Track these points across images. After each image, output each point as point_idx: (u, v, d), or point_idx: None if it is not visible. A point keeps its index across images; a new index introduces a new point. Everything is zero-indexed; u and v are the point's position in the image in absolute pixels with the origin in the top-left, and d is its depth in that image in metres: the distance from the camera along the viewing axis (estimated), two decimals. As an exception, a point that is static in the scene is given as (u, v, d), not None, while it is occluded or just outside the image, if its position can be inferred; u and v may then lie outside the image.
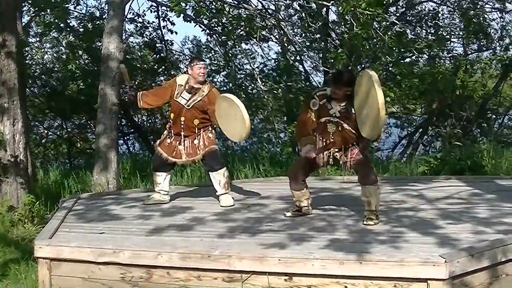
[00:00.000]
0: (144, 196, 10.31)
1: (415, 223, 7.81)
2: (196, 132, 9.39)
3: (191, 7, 14.09)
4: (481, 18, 19.15)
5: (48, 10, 16.55)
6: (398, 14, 19.27)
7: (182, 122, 9.38)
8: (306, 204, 8.35)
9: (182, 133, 9.42)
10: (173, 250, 6.72)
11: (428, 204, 9.05)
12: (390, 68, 13.62)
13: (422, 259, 6.02)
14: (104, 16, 17.12)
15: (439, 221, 7.85)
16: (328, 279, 6.15)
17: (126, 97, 10.02)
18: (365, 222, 7.78)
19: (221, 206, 9.34)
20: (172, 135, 9.49)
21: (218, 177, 9.47)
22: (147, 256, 6.71)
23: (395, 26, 13.80)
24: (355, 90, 7.63)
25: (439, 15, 20.09)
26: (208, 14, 14.94)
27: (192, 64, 9.48)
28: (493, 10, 19.60)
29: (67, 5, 17.08)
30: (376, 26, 11.46)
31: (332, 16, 17.51)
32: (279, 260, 6.28)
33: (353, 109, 7.71)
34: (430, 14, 19.35)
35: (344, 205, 8.91)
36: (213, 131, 9.56)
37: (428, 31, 18.79)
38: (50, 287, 7.08)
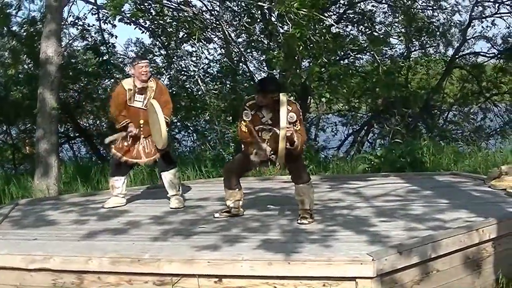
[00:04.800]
0: (83, 201, 10.30)
1: (349, 221, 7.88)
2: None
3: (129, 10, 13.99)
4: (422, 16, 19.45)
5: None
6: (339, 13, 19.41)
7: (142, 124, 9.34)
8: (236, 206, 8.36)
9: (142, 135, 9.39)
10: (104, 254, 6.68)
11: (364, 202, 9.15)
12: (328, 69, 13.67)
13: (349, 257, 6.07)
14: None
15: (373, 219, 7.94)
16: (258, 280, 6.16)
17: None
18: (299, 221, 7.83)
19: (171, 207, 9.33)
20: (129, 138, 9.40)
21: (169, 177, 9.47)
22: (77, 261, 6.66)
23: (332, 27, 13.88)
24: None
25: (380, 14, 20.40)
26: (147, 15, 14.86)
27: (134, 64, 9.42)
28: (429, 7, 19.97)
29: (8, 11, 16.91)
30: (312, 27, 11.49)
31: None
32: (208, 262, 6.28)
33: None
34: (369, 14, 19.51)
35: (281, 205, 8.93)
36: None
37: (367, 31, 18.93)
38: (-19, 295, 7.01)
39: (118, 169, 9.65)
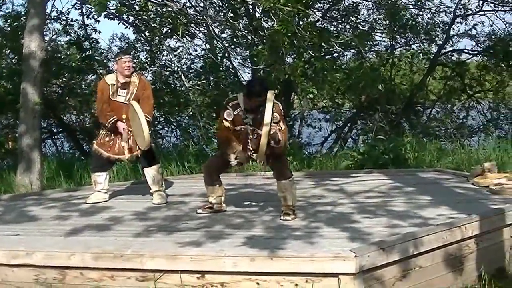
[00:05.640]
0: (66, 196, 10.31)
1: (332, 218, 7.89)
2: None
3: (114, 5, 13.92)
4: (405, 13, 19.50)
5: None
6: (323, 10, 19.43)
7: (124, 120, 9.30)
8: (219, 201, 8.37)
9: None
10: (86, 250, 6.65)
11: (347, 198, 9.18)
12: (314, 64, 13.66)
13: (332, 254, 6.05)
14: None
15: (356, 215, 7.95)
16: (240, 276, 6.14)
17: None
18: (282, 218, 7.84)
19: (154, 203, 9.34)
20: (112, 133, 9.39)
21: (152, 173, 9.47)
22: (60, 257, 6.62)
23: (318, 22, 13.87)
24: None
25: (363, 10, 20.43)
26: (131, 11, 14.79)
27: (117, 59, 9.42)
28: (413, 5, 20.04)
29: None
30: (297, 22, 11.47)
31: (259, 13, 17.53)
32: (191, 258, 6.25)
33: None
34: (353, 10, 19.54)
35: (264, 201, 8.94)
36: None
37: (351, 26, 18.97)
38: (-37, 291, 6.96)
39: (100, 165, 9.62)
